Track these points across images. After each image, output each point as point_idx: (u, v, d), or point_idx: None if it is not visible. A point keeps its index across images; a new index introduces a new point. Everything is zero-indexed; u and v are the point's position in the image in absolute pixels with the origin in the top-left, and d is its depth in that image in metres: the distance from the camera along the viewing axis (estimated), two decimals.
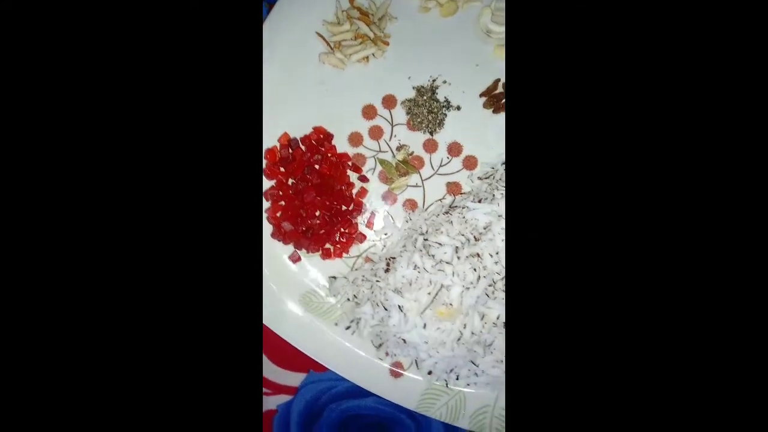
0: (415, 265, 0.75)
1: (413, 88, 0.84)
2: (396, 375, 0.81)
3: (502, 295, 0.73)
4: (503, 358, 0.75)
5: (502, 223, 0.74)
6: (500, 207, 0.75)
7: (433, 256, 0.75)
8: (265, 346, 0.85)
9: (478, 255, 0.74)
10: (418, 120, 0.84)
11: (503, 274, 0.73)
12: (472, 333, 0.73)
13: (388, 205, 0.84)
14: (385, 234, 0.83)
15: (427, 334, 0.74)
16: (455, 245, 0.75)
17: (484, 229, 0.76)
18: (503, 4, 0.82)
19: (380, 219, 0.84)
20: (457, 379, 0.79)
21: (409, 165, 0.83)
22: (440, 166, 0.84)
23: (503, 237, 0.73)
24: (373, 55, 0.84)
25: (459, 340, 0.73)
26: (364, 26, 0.82)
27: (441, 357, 0.75)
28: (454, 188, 0.84)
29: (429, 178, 0.84)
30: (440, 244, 0.75)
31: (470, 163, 0.84)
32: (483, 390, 0.80)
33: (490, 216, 0.75)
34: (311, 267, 0.83)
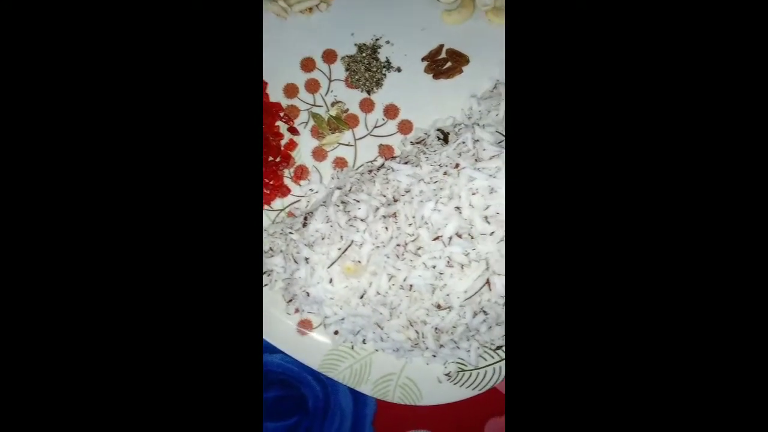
0: (328, 219, 0.73)
1: (355, 44, 0.83)
2: (302, 333, 0.79)
3: (411, 257, 0.71)
4: (408, 324, 0.73)
5: (422, 187, 0.72)
6: (422, 170, 0.73)
7: (349, 212, 0.73)
8: None
9: (395, 215, 0.72)
10: (356, 77, 0.82)
11: (416, 236, 0.71)
12: (378, 292, 0.71)
13: (318, 162, 0.82)
14: (311, 190, 0.81)
15: (333, 289, 0.72)
16: (373, 204, 0.73)
17: (406, 192, 0.74)
18: None
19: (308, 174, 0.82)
20: (364, 342, 0.77)
21: (341, 121, 0.81)
22: (375, 127, 0.83)
23: (422, 200, 0.72)
24: (318, 6, 0.82)
25: (362, 297, 0.71)
26: None
27: (346, 314, 0.73)
28: (386, 151, 0.82)
29: (362, 138, 0.82)
30: (358, 201, 0.73)
31: (405, 127, 0.82)
32: (390, 356, 0.78)
33: (412, 178, 0.73)
34: None
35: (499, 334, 0.76)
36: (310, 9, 0.82)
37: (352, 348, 0.78)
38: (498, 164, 0.70)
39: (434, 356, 0.76)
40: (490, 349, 0.78)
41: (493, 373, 0.78)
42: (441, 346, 0.73)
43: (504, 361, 0.78)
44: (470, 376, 0.78)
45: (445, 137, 0.79)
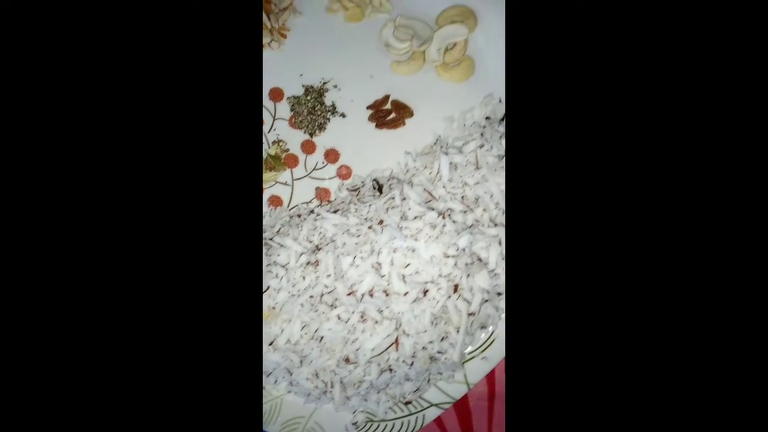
0: None
1: (303, 86, 0.83)
2: None
3: (326, 309, 0.71)
4: (317, 373, 0.74)
5: (346, 239, 0.73)
6: (350, 221, 0.74)
7: (270, 256, 0.74)
8: None
9: (317, 263, 0.73)
10: (300, 119, 0.82)
11: (332, 288, 0.72)
12: (289, 340, 0.72)
13: None
14: None
15: None
16: (297, 249, 0.74)
17: (331, 241, 0.74)
18: (408, 22, 0.81)
19: None
20: (276, 382, 0.77)
21: (278, 161, 0.82)
22: (314, 169, 0.83)
23: (342, 252, 0.72)
24: (269, 44, 0.83)
25: (272, 344, 0.72)
26: (264, 15, 0.81)
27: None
28: (322, 194, 0.83)
29: (300, 178, 0.83)
30: (281, 245, 0.74)
31: (344, 172, 0.83)
32: (301, 399, 0.78)
33: (338, 229, 0.74)
34: None
35: (410, 389, 0.76)
36: (262, 46, 0.82)
37: (263, 388, 0.79)
38: (419, 225, 0.71)
39: (344, 404, 0.77)
40: (401, 402, 0.78)
41: (402, 425, 0.79)
42: (347, 398, 0.74)
43: (413, 415, 0.79)
44: (378, 426, 0.79)
45: (379, 189, 0.80)
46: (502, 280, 0.75)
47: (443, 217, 0.71)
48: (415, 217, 0.72)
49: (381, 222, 0.72)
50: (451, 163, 0.76)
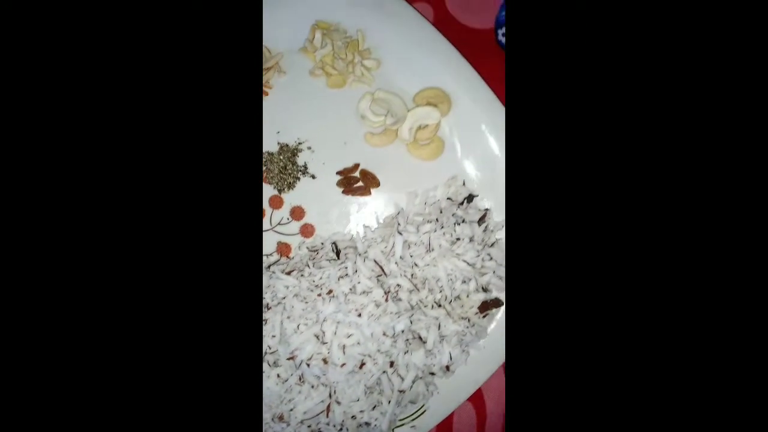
0: None
1: (278, 143, 0.86)
2: None
3: (266, 367, 0.75)
4: None
5: (294, 302, 0.77)
6: (302, 285, 0.78)
7: None
8: None
9: (265, 322, 0.77)
10: (270, 176, 0.86)
11: (274, 349, 0.75)
12: None
13: None
14: None
15: None
16: None
17: (283, 298, 0.78)
18: (386, 96, 0.85)
19: None
20: None
21: None
22: (279, 224, 0.87)
23: (289, 316, 0.76)
24: None
25: None
26: None
27: None
28: (284, 249, 0.86)
29: (264, 231, 0.87)
30: None
31: (307, 231, 0.86)
32: None
33: (288, 291, 0.78)
34: None
35: None
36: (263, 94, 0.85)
37: None
38: (365, 301, 0.75)
39: None
40: None
41: None
42: None
43: None
44: None
45: (337, 253, 0.83)
46: (437, 360, 0.79)
47: (386, 299, 0.75)
48: (363, 292, 0.76)
49: (330, 292, 0.76)
50: (405, 242, 0.79)
